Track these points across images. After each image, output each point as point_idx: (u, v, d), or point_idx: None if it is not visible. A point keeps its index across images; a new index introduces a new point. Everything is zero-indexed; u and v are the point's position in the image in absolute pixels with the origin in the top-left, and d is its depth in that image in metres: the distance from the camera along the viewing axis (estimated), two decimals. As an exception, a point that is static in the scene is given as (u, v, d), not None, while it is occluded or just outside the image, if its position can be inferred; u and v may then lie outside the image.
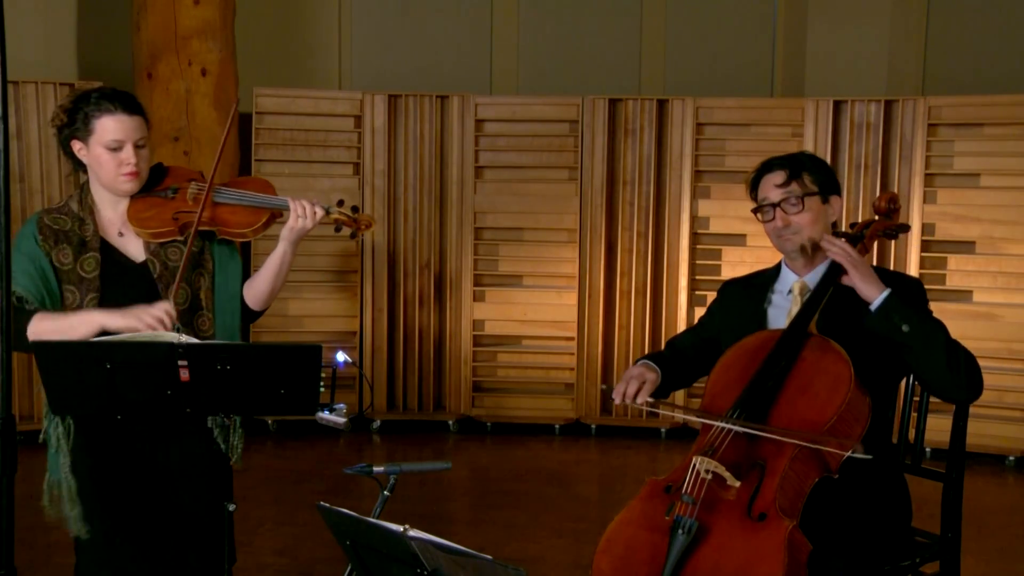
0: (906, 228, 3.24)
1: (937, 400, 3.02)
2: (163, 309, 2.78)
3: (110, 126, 2.86)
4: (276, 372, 2.57)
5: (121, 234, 2.96)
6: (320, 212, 2.95)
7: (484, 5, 7.45)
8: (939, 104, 6.37)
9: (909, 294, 2.91)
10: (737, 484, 2.64)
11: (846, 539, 2.75)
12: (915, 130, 6.37)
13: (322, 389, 2.60)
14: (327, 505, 2.27)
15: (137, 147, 2.89)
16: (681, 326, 6.61)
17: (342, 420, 2.65)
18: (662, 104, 6.73)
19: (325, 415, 2.65)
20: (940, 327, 2.84)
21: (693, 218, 6.68)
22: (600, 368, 6.82)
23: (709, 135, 6.68)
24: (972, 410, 3.11)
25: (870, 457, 2.71)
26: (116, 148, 2.87)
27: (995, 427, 6.14)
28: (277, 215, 2.98)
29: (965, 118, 6.33)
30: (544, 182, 6.82)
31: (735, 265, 6.47)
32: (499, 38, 7.47)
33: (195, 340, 2.59)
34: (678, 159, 6.67)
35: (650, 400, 2.96)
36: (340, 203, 3.04)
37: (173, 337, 2.59)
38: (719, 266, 6.67)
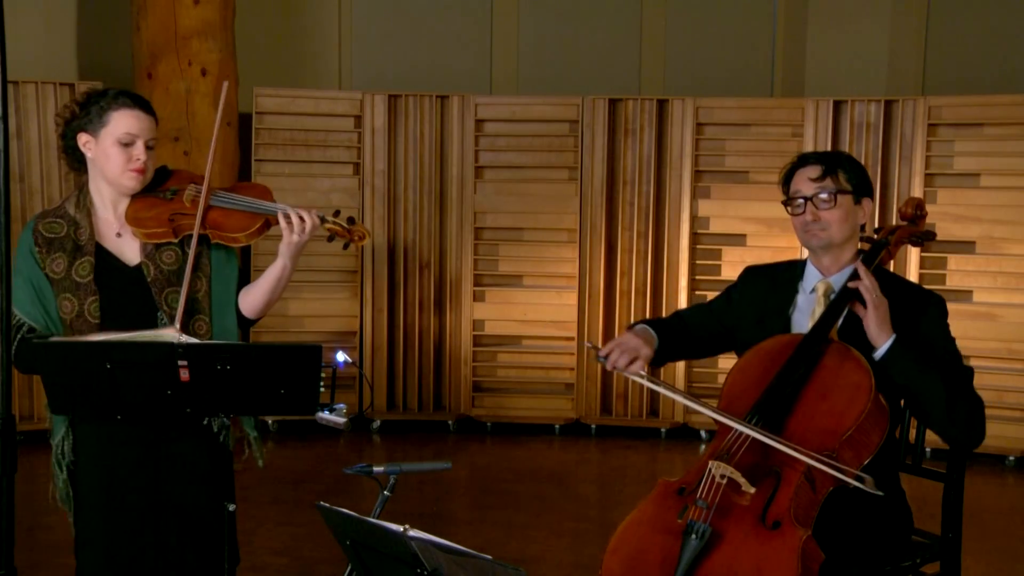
0: (932, 236, 3.18)
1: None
2: None
3: (125, 120, 2.86)
4: (276, 372, 2.57)
5: (119, 235, 2.95)
6: (315, 222, 2.91)
7: (484, 5, 7.45)
8: (939, 104, 6.37)
9: (929, 315, 2.88)
10: (752, 491, 2.61)
11: (857, 548, 2.74)
12: (915, 130, 6.37)
13: (322, 389, 2.60)
14: (327, 505, 2.27)
15: (148, 146, 2.90)
16: (681, 326, 6.60)
17: (342, 420, 2.65)
18: (662, 104, 6.73)
19: (325, 415, 2.65)
20: (941, 380, 2.77)
21: (693, 218, 6.67)
22: (600, 368, 6.81)
23: (709, 135, 6.68)
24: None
25: (881, 494, 2.64)
26: (128, 143, 2.87)
27: (995, 427, 6.05)
28: (273, 222, 2.93)
29: (965, 118, 6.34)
30: (544, 182, 6.82)
31: (735, 265, 6.46)
32: (499, 38, 7.47)
33: (195, 340, 2.59)
34: (678, 159, 6.67)
35: (642, 373, 2.89)
36: (336, 213, 3.00)
37: (173, 337, 2.59)
38: (719, 266, 6.67)
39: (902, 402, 2.93)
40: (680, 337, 3.10)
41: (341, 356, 2.73)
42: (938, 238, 6.35)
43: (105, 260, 2.92)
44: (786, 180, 3.01)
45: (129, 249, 2.95)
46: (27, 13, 6.63)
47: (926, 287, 3.09)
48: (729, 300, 3.16)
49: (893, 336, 2.78)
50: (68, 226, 2.92)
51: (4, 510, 2.37)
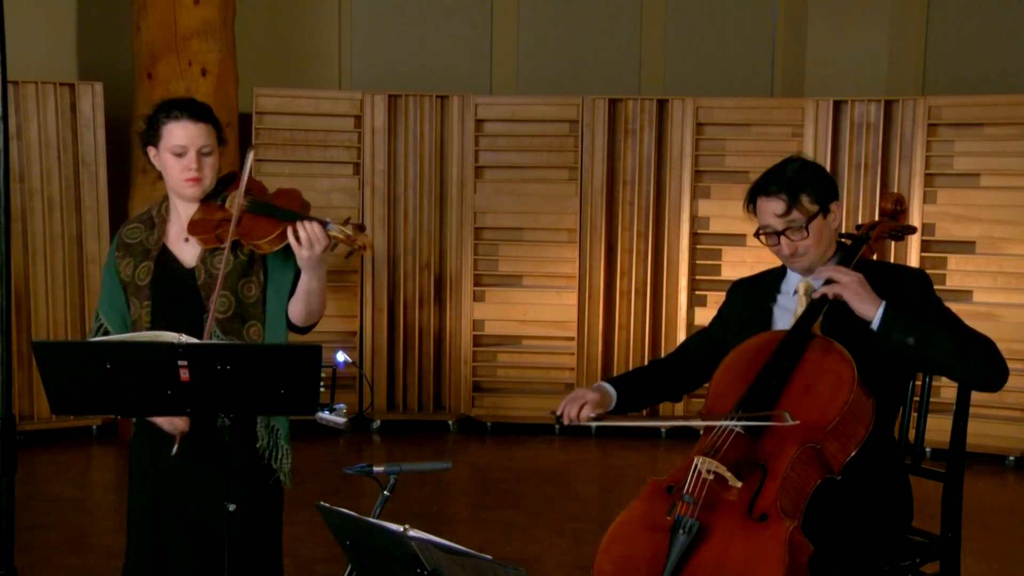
0: (912, 229, 3.23)
1: (937, 400, 3.02)
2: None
3: (175, 132, 2.94)
4: (276, 372, 2.57)
5: (187, 239, 3.01)
6: (316, 233, 2.85)
7: (484, 5, 7.45)
8: (939, 104, 6.37)
9: (913, 288, 2.90)
10: (739, 484, 2.64)
11: (847, 540, 2.75)
12: (915, 130, 6.37)
13: (322, 389, 2.60)
14: (327, 505, 2.27)
15: (202, 154, 2.95)
16: (681, 326, 6.61)
17: (342, 420, 2.65)
18: (662, 104, 6.73)
19: (325, 415, 2.65)
20: (944, 327, 2.81)
21: (693, 218, 6.68)
22: (600, 368, 6.81)
23: (709, 135, 6.68)
24: (972, 410, 3.12)
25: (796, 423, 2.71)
26: (180, 154, 2.94)
27: (995, 427, 6.13)
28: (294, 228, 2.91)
29: (965, 118, 6.33)
30: (544, 182, 6.82)
31: (735, 265, 6.47)
32: (499, 38, 7.47)
33: (195, 340, 2.59)
34: (678, 159, 6.67)
35: (592, 416, 2.96)
36: (347, 221, 2.95)
37: (173, 337, 2.59)
38: (719, 266, 6.67)
39: (911, 383, 2.97)
40: (684, 368, 3.15)
41: (341, 356, 2.73)
42: (938, 238, 6.37)
43: (167, 263, 3.00)
44: (751, 200, 2.97)
45: (190, 253, 3.01)
46: (27, 13, 6.63)
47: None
48: (720, 317, 3.20)
49: (883, 303, 2.79)
50: (145, 230, 3.03)
51: (4, 510, 2.37)
